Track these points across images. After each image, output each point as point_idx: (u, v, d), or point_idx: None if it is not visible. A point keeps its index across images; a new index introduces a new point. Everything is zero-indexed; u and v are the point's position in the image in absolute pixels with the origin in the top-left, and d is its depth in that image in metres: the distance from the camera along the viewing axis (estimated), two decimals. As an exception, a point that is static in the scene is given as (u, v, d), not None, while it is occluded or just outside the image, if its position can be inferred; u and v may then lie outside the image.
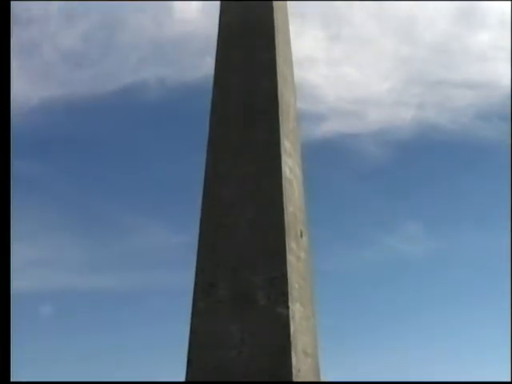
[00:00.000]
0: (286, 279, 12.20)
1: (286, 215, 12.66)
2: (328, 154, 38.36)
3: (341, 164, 41.92)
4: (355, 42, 43.32)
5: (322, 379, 12.83)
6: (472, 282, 42.30)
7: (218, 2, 15.34)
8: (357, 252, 42.00)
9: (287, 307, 11.99)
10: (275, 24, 14.26)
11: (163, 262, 39.16)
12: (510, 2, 38.48)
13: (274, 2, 14.73)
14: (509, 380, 21.69)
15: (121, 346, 38.02)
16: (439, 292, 41.64)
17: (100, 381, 26.22)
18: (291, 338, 11.77)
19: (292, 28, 15.48)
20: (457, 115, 41.59)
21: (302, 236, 13.12)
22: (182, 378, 12.36)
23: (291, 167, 13.43)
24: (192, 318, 12.53)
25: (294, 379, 11.53)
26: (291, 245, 12.65)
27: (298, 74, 15.29)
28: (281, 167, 12.94)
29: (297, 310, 12.21)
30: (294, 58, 15.40)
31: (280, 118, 13.39)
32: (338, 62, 42.30)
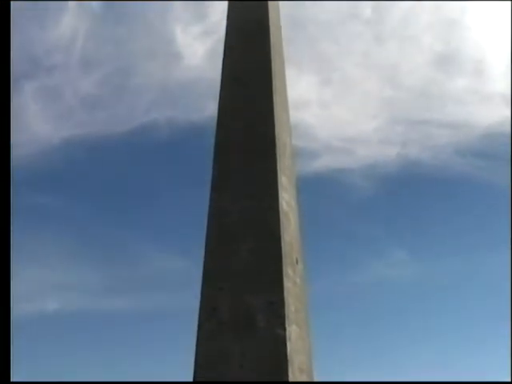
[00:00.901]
0: (284, 303, 12.38)
1: (283, 244, 12.87)
2: (321, 187, 39.20)
3: (333, 196, 42.70)
4: (344, 86, 44.16)
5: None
6: (453, 302, 42.72)
7: (222, 50, 15.52)
8: (348, 276, 42.56)
9: (284, 329, 12.19)
10: (273, 72, 14.53)
11: (172, 286, 39.54)
12: (483, 52, 39.26)
13: (272, 51, 14.94)
14: (509, 380, 21.43)
15: (132, 362, 38.15)
16: (423, 311, 42.05)
17: (102, 381, 26.11)
18: (288, 357, 11.95)
19: (288, 73, 15.72)
20: (437, 152, 42.59)
21: (297, 263, 13.33)
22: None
23: (287, 200, 13.68)
24: (197, 339, 12.80)
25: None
26: (288, 271, 12.85)
27: (294, 114, 15.75)
28: (278, 201, 13.21)
29: (293, 331, 12.38)
30: (289, 101, 15.68)
31: (277, 156, 13.71)
32: (329, 103, 43.21)
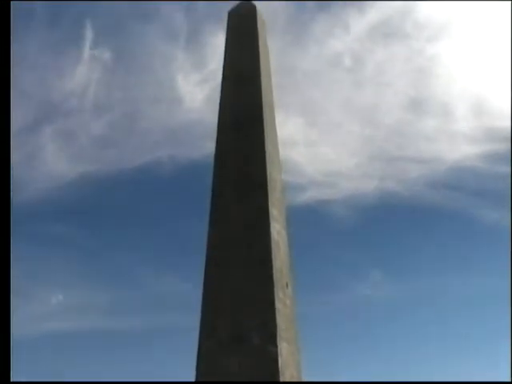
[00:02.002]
0: (275, 322, 12.55)
1: (274, 270, 13.12)
2: (308, 217, 39.49)
3: (318, 225, 43.70)
4: (328, 127, 44.76)
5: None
6: (423, 316, 43.57)
7: (218, 96, 15.69)
8: (331, 297, 42.81)
9: (276, 346, 12.38)
10: (264, 116, 14.79)
11: (174, 307, 39.80)
12: (449, 96, 40.40)
13: (263, 97, 15.16)
14: (509, 380, 20.91)
15: (136, 375, 38.11)
16: (398, 325, 42.67)
17: (104, 381, 25.70)
18: (279, 371, 12.13)
19: (277, 116, 16.00)
20: (410, 185, 43.59)
21: (287, 286, 13.48)
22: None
23: (278, 230, 13.90)
24: (198, 355, 12.90)
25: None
26: (279, 294, 13.02)
27: (282, 152, 16.23)
28: (270, 231, 13.46)
29: (284, 348, 12.52)
30: (279, 141, 15.72)
31: (268, 191, 14.05)
32: (315, 142, 44.19)
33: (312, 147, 45.71)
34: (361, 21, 45.12)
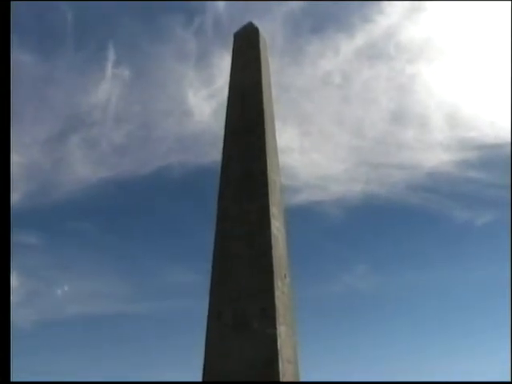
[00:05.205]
0: (274, 308, 12.66)
1: (274, 262, 13.31)
2: (303, 216, 39.94)
3: (311, 223, 43.92)
4: (320, 136, 45.07)
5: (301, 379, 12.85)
6: (404, 306, 43.89)
7: (224, 109, 15.66)
8: (323, 286, 43.34)
9: (275, 328, 12.52)
10: (265, 125, 14.79)
11: (185, 294, 40.36)
12: (426, 109, 40.60)
13: (265, 108, 15.18)
14: (509, 380, 20.51)
15: (150, 354, 38.48)
16: (382, 314, 43.08)
17: (105, 381, 25.75)
18: (278, 351, 12.29)
19: (276, 127, 16.02)
20: (392, 188, 44.09)
21: (285, 277, 13.61)
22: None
23: (277, 227, 14.02)
24: (206, 337, 13.01)
25: (281, 380, 11.57)
26: (278, 283, 13.13)
27: (281, 159, 16.43)
28: (270, 227, 13.58)
29: (282, 331, 12.72)
30: (277, 148, 15.72)
31: (269, 192, 14.18)
32: (308, 150, 44.15)
33: (306, 154, 46.11)
34: (350, 44, 45.71)
